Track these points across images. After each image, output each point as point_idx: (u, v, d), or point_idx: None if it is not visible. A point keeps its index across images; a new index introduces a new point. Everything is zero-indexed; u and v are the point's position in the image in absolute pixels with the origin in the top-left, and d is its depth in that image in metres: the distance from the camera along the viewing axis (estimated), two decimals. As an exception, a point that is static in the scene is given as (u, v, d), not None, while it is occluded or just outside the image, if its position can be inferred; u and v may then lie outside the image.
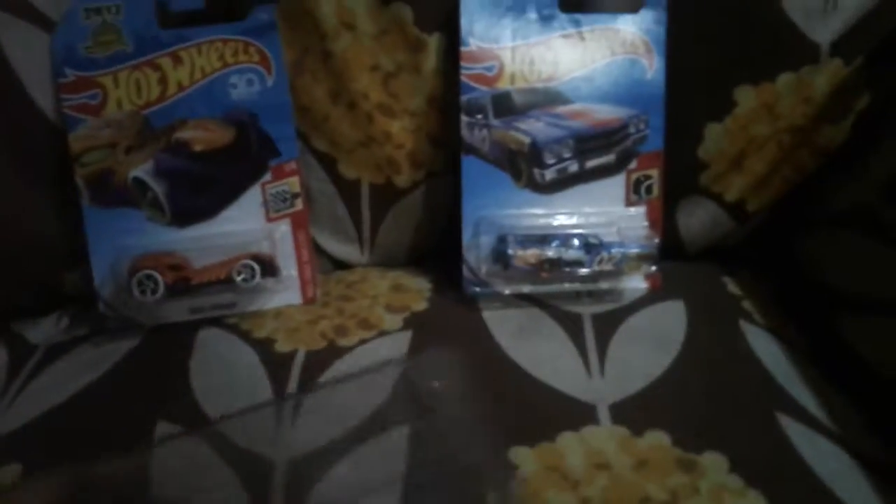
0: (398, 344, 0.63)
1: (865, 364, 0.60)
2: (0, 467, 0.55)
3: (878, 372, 0.59)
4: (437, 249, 0.74)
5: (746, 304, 0.68)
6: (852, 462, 0.54)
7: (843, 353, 0.62)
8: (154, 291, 0.63)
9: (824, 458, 0.54)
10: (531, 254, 0.65)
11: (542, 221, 0.68)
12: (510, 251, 0.65)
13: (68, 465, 0.52)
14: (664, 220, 0.70)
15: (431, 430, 0.56)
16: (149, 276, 0.63)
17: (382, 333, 0.64)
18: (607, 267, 0.65)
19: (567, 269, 0.65)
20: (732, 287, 0.70)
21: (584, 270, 0.65)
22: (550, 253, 0.65)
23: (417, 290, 0.70)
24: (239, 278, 0.64)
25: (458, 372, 0.59)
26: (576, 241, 0.65)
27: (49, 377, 0.63)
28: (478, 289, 0.67)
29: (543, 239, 0.65)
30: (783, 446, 0.55)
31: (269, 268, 0.66)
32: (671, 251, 0.71)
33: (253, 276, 0.65)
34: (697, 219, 0.73)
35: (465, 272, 0.67)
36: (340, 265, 0.76)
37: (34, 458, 0.56)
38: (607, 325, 0.64)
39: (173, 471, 0.53)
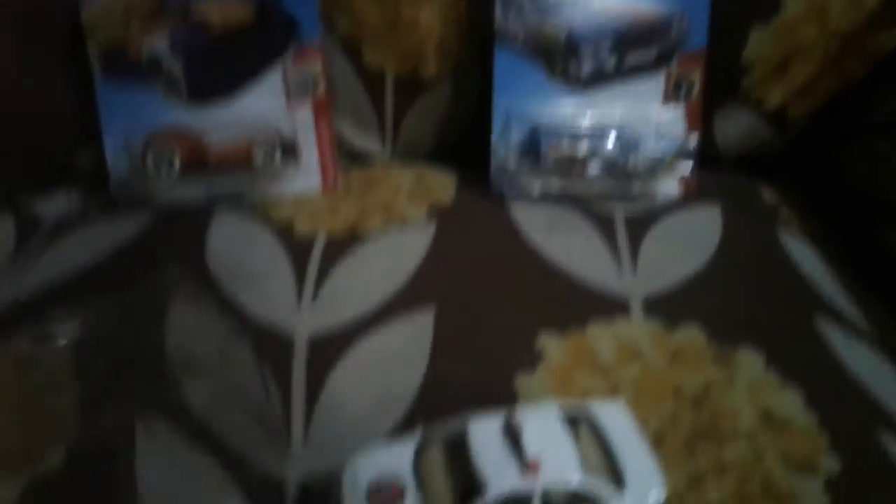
0: (422, 234, 0.61)
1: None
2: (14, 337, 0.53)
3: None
4: (462, 144, 0.71)
5: (783, 211, 0.65)
6: (893, 367, 0.52)
7: (883, 262, 0.60)
8: (169, 169, 0.60)
9: (863, 360, 0.52)
10: (564, 149, 0.62)
11: (576, 117, 0.65)
12: (542, 145, 0.62)
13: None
14: (701, 127, 0.67)
15: (458, 308, 0.54)
16: (164, 153, 0.60)
17: (405, 223, 0.62)
18: (642, 166, 0.62)
19: (600, 167, 0.62)
20: (769, 195, 0.68)
21: (617, 168, 0.62)
22: (584, 148, 0.62)
23: (442, 183, 0.67)
24: (258, 160, 0.62)
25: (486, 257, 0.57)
26: (611, 138, 0.62)
27: (57, 251, 0.61)
28: (506, 184, 0.65)
29: (577, 134, 0.62)
30: (821, 346, 0.53)
31: (289, 151, 0.63)
32: (706, 159, 0.68)
33: (273, 159, 0.62)
34: (735, 125, 0.70)
35: (494, 167, 0.65)
36: (361, 158, 0.73)
37: (41, 328, 0.54)
38: (640, 225, 0.62)
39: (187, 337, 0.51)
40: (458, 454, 0.39)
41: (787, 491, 0.44)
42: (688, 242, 0.60)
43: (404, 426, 0.47)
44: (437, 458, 0.41)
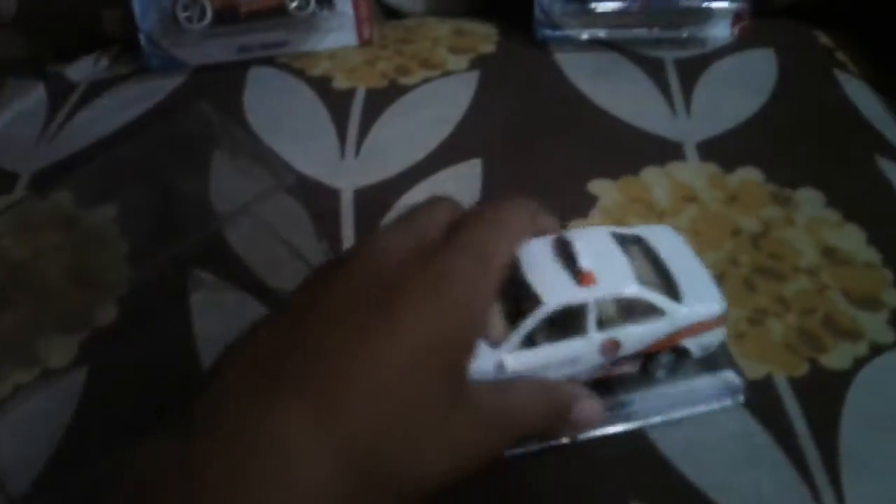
0: (465, 84, 0.59)
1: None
2: (49, 194, 0.52)
3: None
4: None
5: (840, 55, 0.62)
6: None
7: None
8: (201, 19, 0.58)
9: (927, 199, 0.51)
10: (613, -16, 0.59)
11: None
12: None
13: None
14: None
15: (506, 157, 0.52)
16: (195, 1, 0.58)
17: (447, 73, 0.60)
18: (695, 2, 0.59)
19: (652, 2, 0.59)
20: (825, 39, 0.64)
21: (669, 3, 0.59)
22: (634, -16, 0.59)
23: (483, 34, 0.64)
24: (292, 6, 0.59)
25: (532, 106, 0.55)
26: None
27: (92, 111, 0.60)
28: (550, 32, 0.62)
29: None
30: (883, 186, 0.51)
31: (323, -1, 0.60)
32: (758, 4, 0.64)
33: (307, 4, 0.59)
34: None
35: (538, 13, 0.62)
36: (396, 16, 0.70)
37: (82, 186, 0.53)
38: (692, 70, 0.59)
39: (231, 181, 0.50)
40: (517, 269, 0.37)
41: (850, 325, 0.43)
42: (742, 85, 0.58)
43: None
44: None
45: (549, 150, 0.54)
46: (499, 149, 0.54)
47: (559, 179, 0.52)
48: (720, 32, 0.62)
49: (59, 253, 0.51)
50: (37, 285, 0.47)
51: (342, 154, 0.54)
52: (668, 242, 0.40)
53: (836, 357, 0.42)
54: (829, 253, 0.47)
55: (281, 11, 0.59)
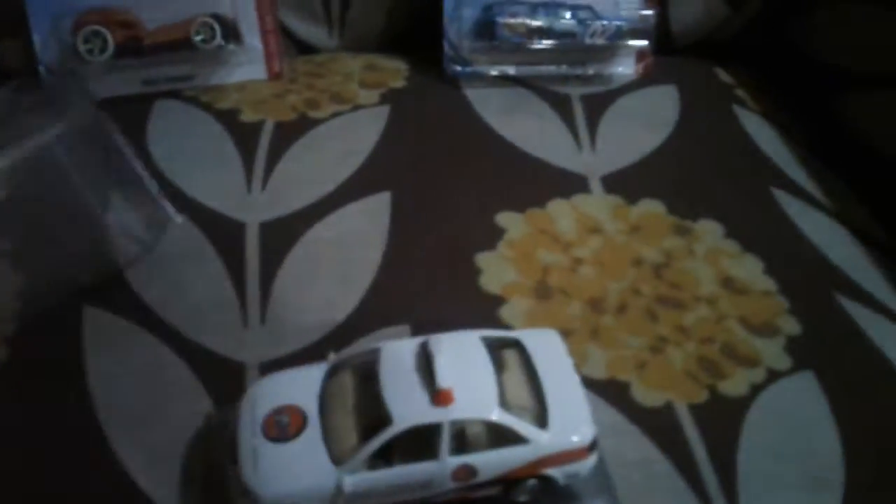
0: (375, 118, 0.59)
1: (866, 143, 0.58)
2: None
3: (879, 149, 0.57)
4: (413, 34, 0.68)
5: (740, 92, 0.64)
6: (851, 236, 0.53)
7: (842, 135, 0.60)
8: (103, 51, 0.57)
9: (822, 230, 0.53)
10: (520, 22, 0.60)
11: (530, -7, 0.62)
12: (498, 19, 0.60)
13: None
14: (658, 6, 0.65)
15: (415, 191, 0.52)
16: (96, 33, 0.56)
17: (357, 108, 0.60)
18: (599, 41, 0.60)
19: (557, 41, 0.60)
20: (725, 76, 0.66)
21: (573, 43, 0.60)
22: (540, 21, 0.60)
23: (394, 69, 0.65)
24: (197, 38, 0.58)
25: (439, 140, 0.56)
26: (567, 11, 0.60)
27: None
28: (460, 68, 0.63)
29: (533, 7, 0.60)
30: (779, 217, 0.53)
31: (230, 30, 0.59)
32: (661, 44, 0.66)
33: (213, 37, 0.58)
34: (690, 7, 0.69)
35: (447, 49, 0.62)
36: (308, 51, 0.70)
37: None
38: (597, 105, 0.61)
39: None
40: (368, 381, 0.35)
41: (748, 352, 0.44)
42: (645, 121, 0.59)
43: (365, 303, 0.46)
44: (346, 385, 0.36)
45: (457, 183, 0.54)
46: (408, 182, 0.54)
47: (467, 212, 0.52)
48: (625, 69, 0.64)
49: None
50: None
51: (249, 187, 0.53)
52: (548, 351, 0.37)
53: (735, 384, 0.43)
54: (728, 282, 0.48)
55: (187, 45, 0.58)
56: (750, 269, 0.49)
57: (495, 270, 0.48)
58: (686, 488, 0.38)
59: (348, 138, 0.57)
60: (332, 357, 0.38)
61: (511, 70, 0.63)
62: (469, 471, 0.34)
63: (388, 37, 0.69)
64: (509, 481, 0.35)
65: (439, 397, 0.33)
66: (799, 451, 0.40)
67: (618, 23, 0.61)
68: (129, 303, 0.46)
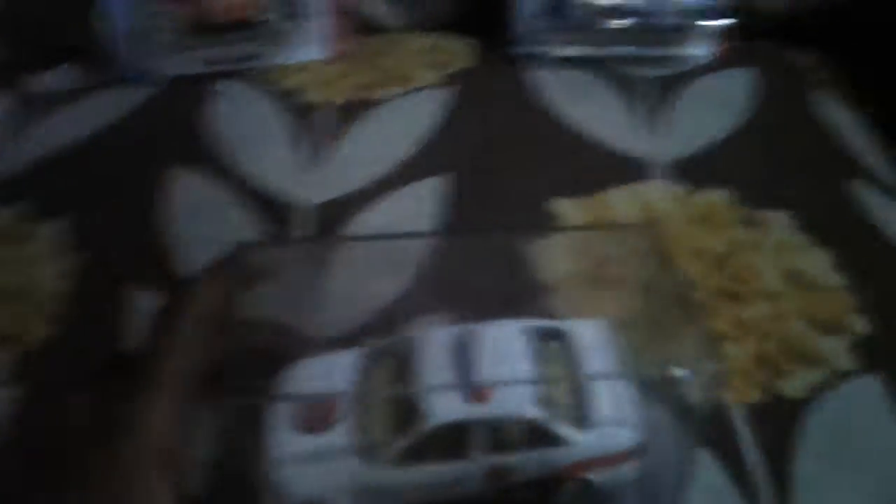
0: (437, 100, 0.58)
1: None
2: (8, 205, 0.52)
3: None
4: (480, 13, 0.67)
5: (819, 77, 0.61)
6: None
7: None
8: (171, 31, 0.58)
9: (901, 223, 0.49)
10: (591, 1, 0.58)
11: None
12: (568, -3, 0.58)
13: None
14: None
15: (473, 174, 0.52)
16: (164, 14, 0.57)
17: (421, 88, 0.59)
18: (674, 20, 0.58)
19: (630, 20, 0.58)
20: (805, 60, 0.63)
21: (647, 23, 0.58)
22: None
23: (460, 50, 0.64)
24: (264, 18, 0.58)
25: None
26: (640, -9, 0.58)
27: (58, 121, 0.59)
28: (527, 49, 0.61)
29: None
30: (857, 211, 0.50)
31: (295, 9, 0.59)
32: (741, 26, 0.63)
33: (279, 18, 0.59)
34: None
35: (515, 29, 0.61)
36: (372, 30, 0.70)
37: (42, 196, 0.53)
38: (667, 88, 0.59)
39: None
40: (403, 372, 0.33)
41: (810, 350, 0.42)
42: (717, 106, 0.57)
43: (409, 289, 0.45)
44: (380, 376, 0.34)
45: (516, 168, 0.53)
46: (466, 165, 0.53)
47: (524, 198, 0.51)
48: (699, 51, 0.61)
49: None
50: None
51: (307, 167, 0.54)
52: (597, 345, 0.34)
53: (794, 384, 0.41)
54: (793, 277, 0.46)
55: (252, 24, 0.59)
56: (818, 264, 0.46)
57: (549, 259, 0.47)
58: (736, 495, 0.37)
59: (410, 120, 0.56)
60: (368, 345, 0.36)
61: (580, 51, 0.61)
62: (503, 471, 0.32)
63: (454, 17, 0.68)
64: (546, 484, 0.33)
65: (476, 393, 0.31)
66: (860, 461, 0.38)
67: (694, 1, 0.58)
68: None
